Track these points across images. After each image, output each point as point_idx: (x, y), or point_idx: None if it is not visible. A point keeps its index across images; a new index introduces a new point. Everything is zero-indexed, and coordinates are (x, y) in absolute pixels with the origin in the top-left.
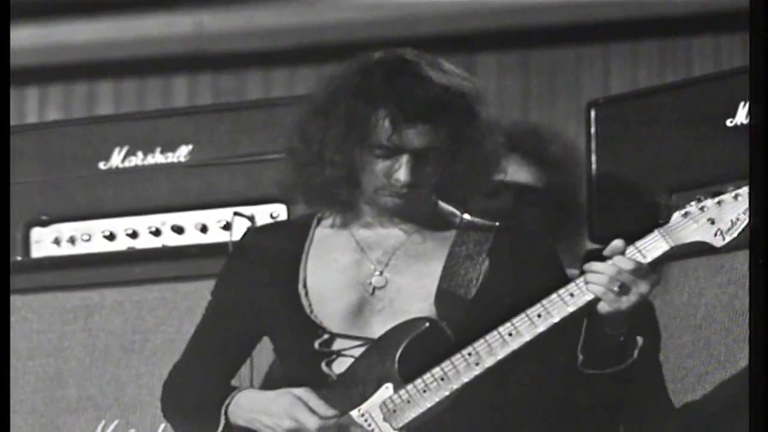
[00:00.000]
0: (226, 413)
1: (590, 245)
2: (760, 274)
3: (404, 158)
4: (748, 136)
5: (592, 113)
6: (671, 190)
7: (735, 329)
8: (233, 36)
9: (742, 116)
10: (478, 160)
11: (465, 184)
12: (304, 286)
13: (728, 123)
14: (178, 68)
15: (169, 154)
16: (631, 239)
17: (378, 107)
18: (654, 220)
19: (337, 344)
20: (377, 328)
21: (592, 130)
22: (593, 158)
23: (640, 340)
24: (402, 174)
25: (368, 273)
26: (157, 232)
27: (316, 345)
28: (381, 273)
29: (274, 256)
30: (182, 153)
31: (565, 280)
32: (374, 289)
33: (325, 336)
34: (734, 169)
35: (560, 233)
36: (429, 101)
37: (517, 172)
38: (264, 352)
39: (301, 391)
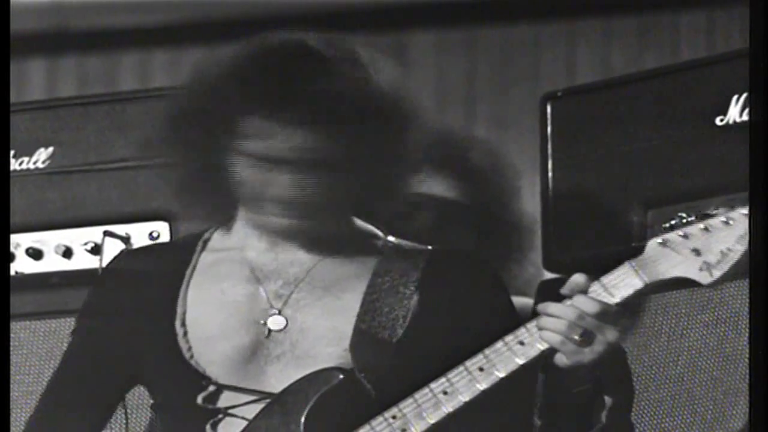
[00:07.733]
0: None
1: (546, 274)
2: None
3: (286, 169)
4: (748, 137)
5: (548, 108)
6: (647, 205)
7: (725, 380)
8: (102, 9)
9: (735, 113)
10: (392, 168)
11: (379, 198)
12: (183, 323)
13: (718, 121)
14: (34, 49)
15: (24, 159)
16: (597, 270)
17: (261, 107)
18: (625, 243)
19: (225, 399)
20: (275, 380)
21: (548, 129)
22: (549, 164)
23: (608, 400)
24: (283, 188)
25: (263, 309)
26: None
27: (199, 399)
28: (279, 311)
29: (148, 285)
30: (40, 157)
31: (516, 320)
32: (270, 330)
33: (210, 388)
34: (726, 179)
35: (508, 258)
36: (327, 100)
37: (433, 186)
38: (143, 407)
39: None
